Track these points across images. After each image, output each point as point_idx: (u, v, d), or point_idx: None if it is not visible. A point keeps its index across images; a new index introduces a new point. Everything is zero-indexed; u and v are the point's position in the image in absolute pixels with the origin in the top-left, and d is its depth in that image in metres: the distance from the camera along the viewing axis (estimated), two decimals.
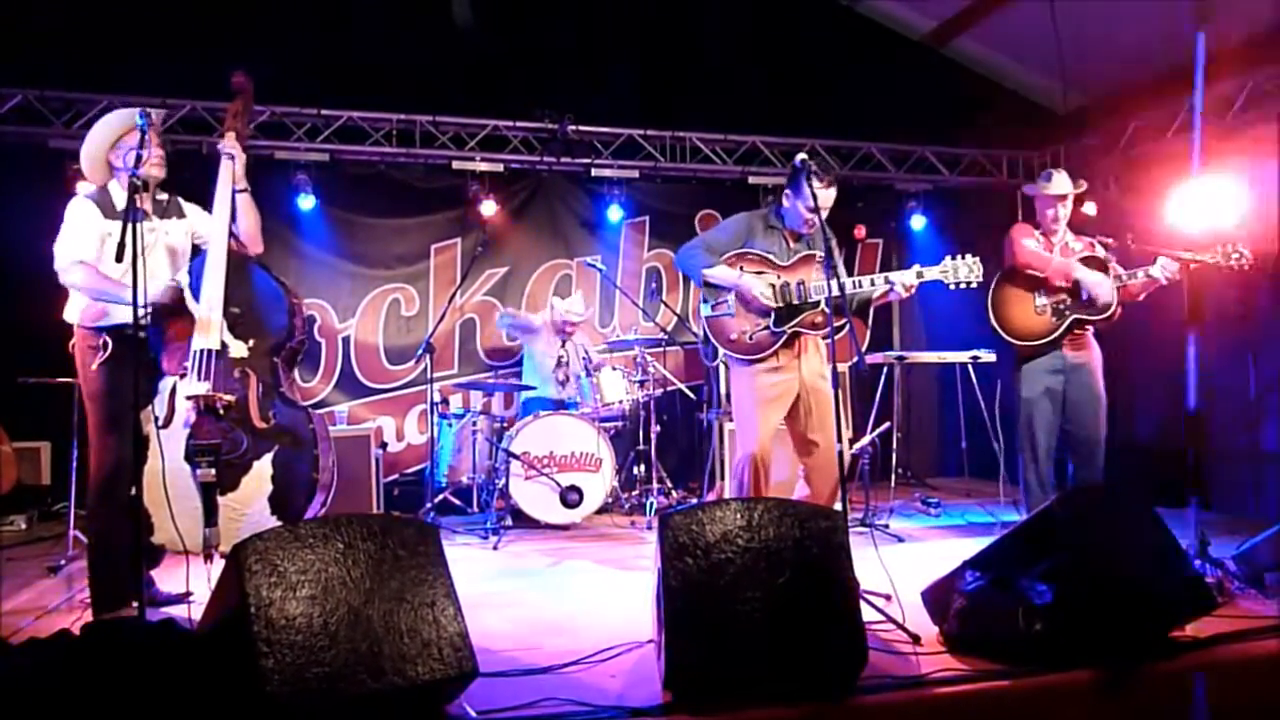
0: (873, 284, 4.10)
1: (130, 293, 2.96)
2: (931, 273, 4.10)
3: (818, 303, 4.08)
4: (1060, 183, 4.93)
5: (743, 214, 4.37)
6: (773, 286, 4.12)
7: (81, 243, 3.56)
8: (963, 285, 4.12)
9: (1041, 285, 4.80)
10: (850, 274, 4.23)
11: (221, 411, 3.55)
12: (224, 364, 3.62)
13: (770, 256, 4.18)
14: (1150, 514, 3.17)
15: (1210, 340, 5.62)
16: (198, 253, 3.89)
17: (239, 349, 3.69)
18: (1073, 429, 4.81)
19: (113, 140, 3.66)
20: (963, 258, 4.11)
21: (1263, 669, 3.00)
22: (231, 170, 3.82)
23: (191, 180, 4.03)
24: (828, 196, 4.00)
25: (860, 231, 7.34)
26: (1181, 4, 6.14)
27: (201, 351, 3.59)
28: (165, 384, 3.63)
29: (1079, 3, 6.18)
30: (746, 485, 4.12)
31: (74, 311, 3.65)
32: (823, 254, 4.00)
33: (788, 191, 4.19)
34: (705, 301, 4.26)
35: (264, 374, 3.71)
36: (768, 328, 4.11)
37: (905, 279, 4.05)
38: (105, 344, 3.59)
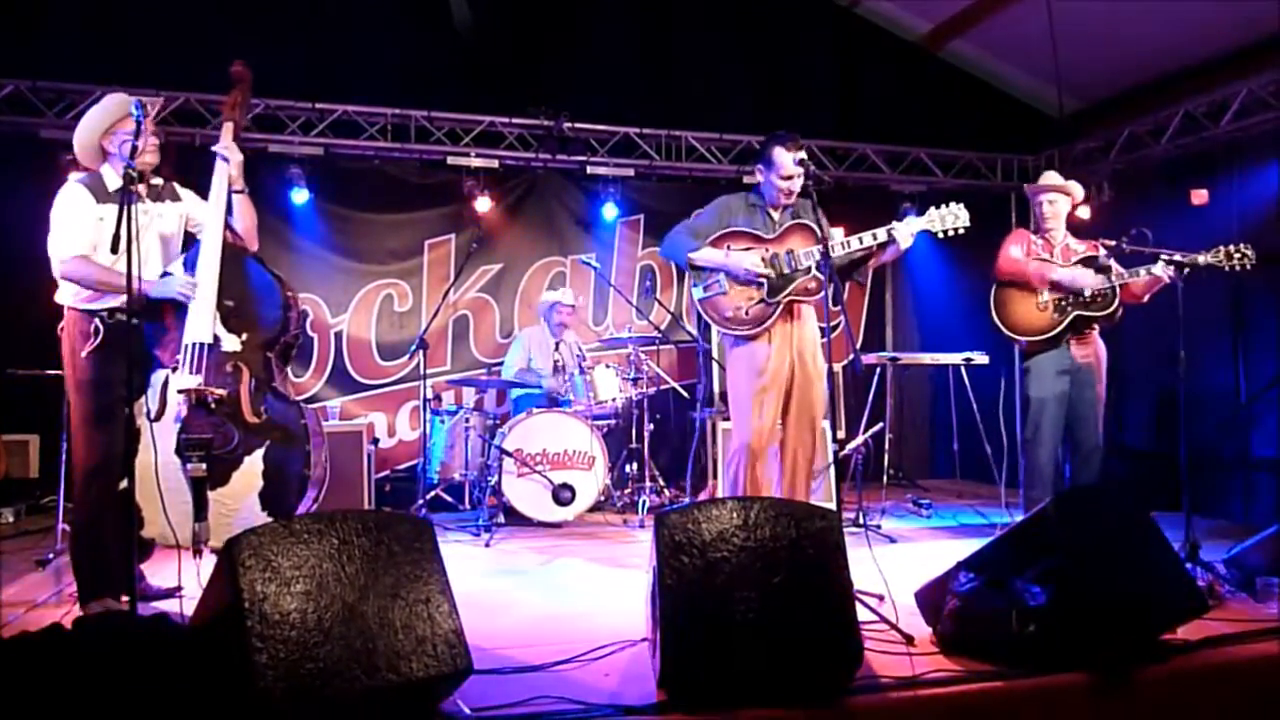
0: (861, 242, 4.09)
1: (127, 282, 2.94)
2: (919, 222, 4.09)
3: (809, 269, 4.09)
4: (1046, 175, 4.98)
5: (723, 197, 4.37)
6: (762, 259, 4.12)
7: (76, 234, 3.51)
8: (950, 233, 4.10)
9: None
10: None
11: (213, 406, 3.52)
12: (216, 357, 3.60)
13: (757, 232, 4.19)
14: (1143, 517, 3.18)
15: (1201, 346, 5.68)
16: (190, 241, 3.87)
17: (232, 343, 3.67)
18: (1074, 431, 4.81)
19: (107, 126, 3.61)
20: (947, 205, 4.10)
21: (1254, 672, 3.02)
22: (227, 170, 3.79)
23: (185, 172, 4.00)
24: (791, 160, 4.02)
25: (843, 234, 7.34)
26: (1177, 12, 6.20)
27: (193, 345, 3.57)
28: (157, 377, 3.61)
29: (1075, 8, 6.21)
30: (740, 480, 4.10)
31: (67, 294, 3.60)
32: (810, 221, 4.03)
33: (759, 168, 4.22)
34: (696, 285, 4.25)
35: (257, 368, 3.68)
36: (762, 300, 4.11)
37: (897, 232, 4.04)
38: (96, 329, 3.52)
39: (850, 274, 4.30)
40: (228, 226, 3.76)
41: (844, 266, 4.21)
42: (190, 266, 3.69)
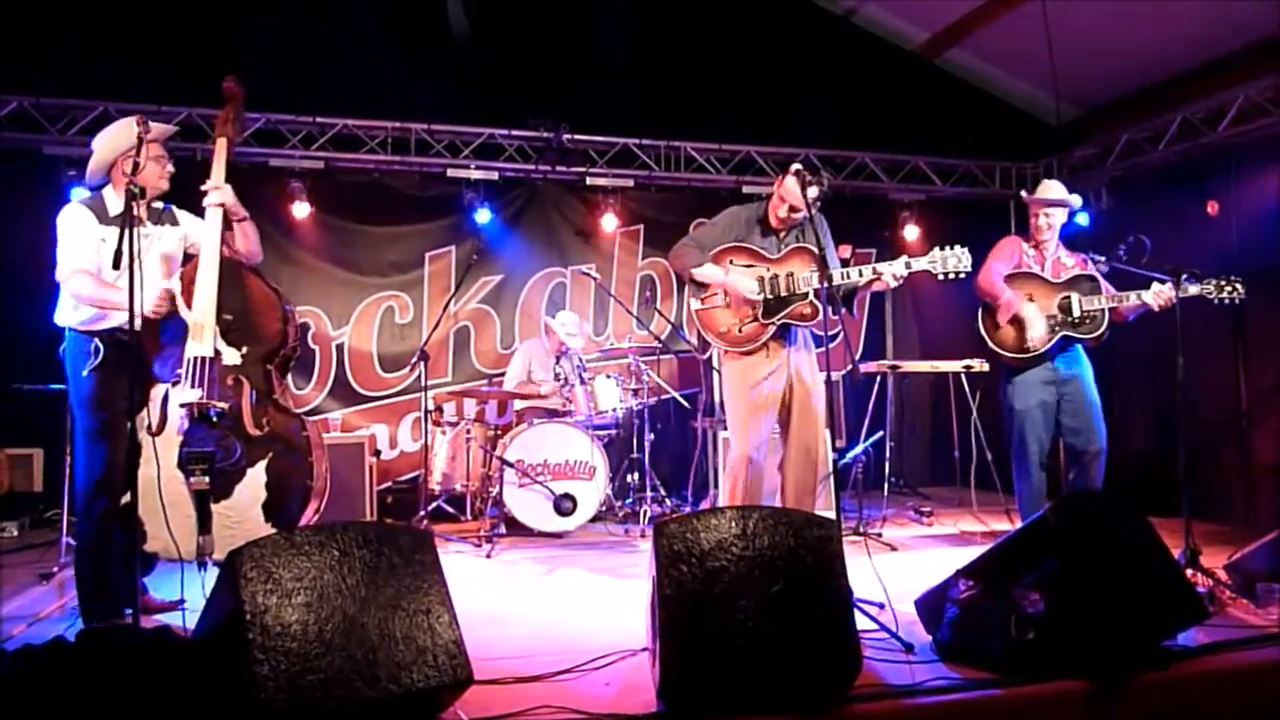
0: (861, 274, 4.10)
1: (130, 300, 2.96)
2: (920, 263, 4.09)
3: (806, 294, 4.10)
4: (1046, 187, 4.95)
5: (732, 209, 4.39)
6: (760, 280, 4.14)
7: (81, 251, 3.56)
8: (951, 276, 4.10)
9: (1031, 299, 4.79)
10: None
11: (215, 419, 3.53)
12: (217, 371, 3.61)
13: (760, 250, 4.21)
14: (1142, 523, 3.19)
15: (1201, 351, 5.68)
16: (190, 259, 3.90)
17: (232, 356, 3.68)
18: (1073, 441, 4.78)
19: (126, 149, 3.62)
20: (951, 248, 4.09)
21: (1255, 678, 3.02)
22: (222, 178, 3.82)
23: (186, 187, 4.03)
24: (795, 191, 4.02)
25: (845, 251, 7.34)
26: (1174, 18, 6.22)
27: (194, 359, 3.58)
28: (157, 391, 3.62)
29: (1071, 15, 6.23)
30: (738, 490, 4.13)
31: (66, 315, 3.64)
32: (815, 247, 3.98)
33: (776, 184, 4.23)
34: (694, 297, 4.27)
35: (257, 381, 3.70)
36: (756, 319, 4.13)
37: (894, 269, 4.06)
38: (97, 349, 3.56)
39: (847, 302, 4.31)
40: (225, 241, 3.79)
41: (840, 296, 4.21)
42: (188, 282, 3.71)
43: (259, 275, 3.88)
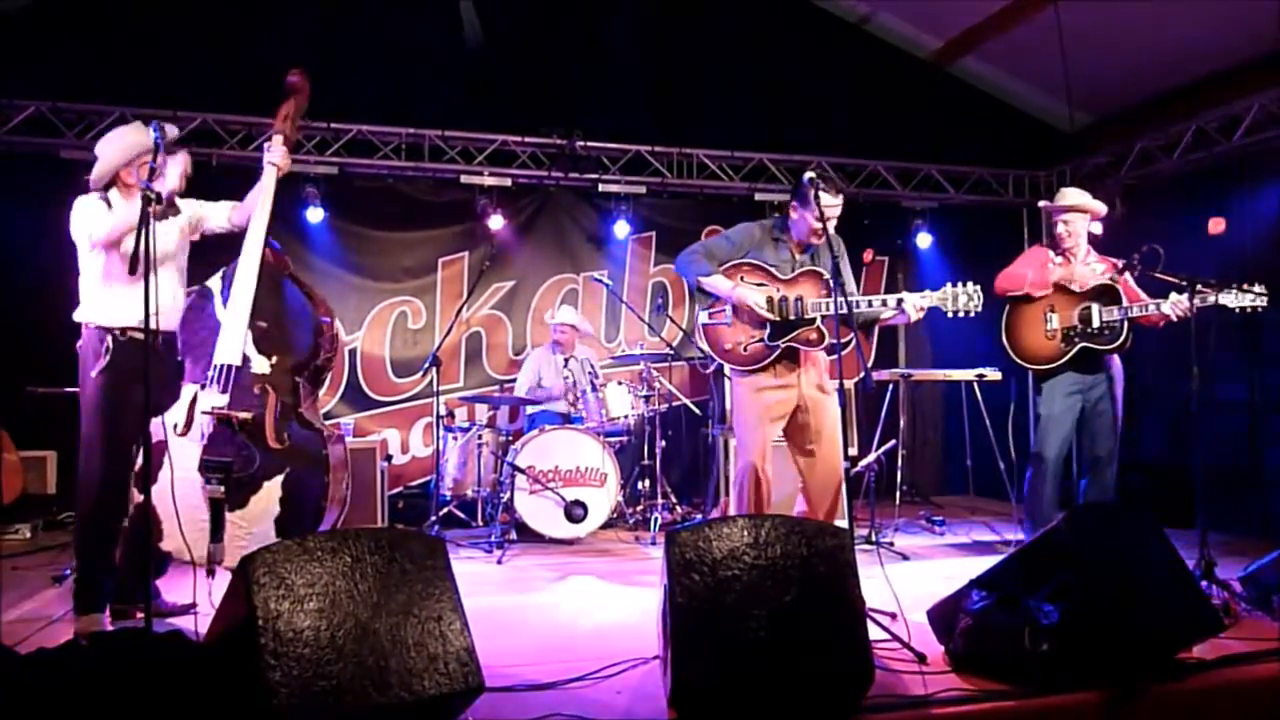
0: (870, 305, 4.07)
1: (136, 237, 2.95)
2: (929, 299, 4.04)
3: (813, 320, 4.06)
4: (1063, 194, 4.91)
5: (749, 224, 4.33)
6: (770, 299, 4.08)
7: (95, 220, 3.56)
8: (961, 314, 4.04)
9: (1053, 309, 4.77)
10: (856, 292, 4.22)
11: (237, 428, 3.51)
12: (245, 379, 3.57)
13: (772, 269, 4.15)
14: (1157, 534, 3.17)
15: (1216, 361, 5.63)
16: (214, 250, 3.86)
17: (261, 365, 3.62)
18: (1086, 445, 4.78)
19: (129, 159, 3.62)
20: (963, 285, 4.03)
21: (1270, 691, 2.99)
22: (275, 178, 3.78)
23: (201, 192, 4.02)
24: (835, 205, 3.97)
25: (868, 256, 7.36)
26: (1188, 26, 6.20)
27: (223, 365, 3.56)
28: (187, 391, 3.60)
29: (1085, 23, 6.22)
30: (746, 496, 4.12)
31: (85, 310, 3.63)
32: (828, 271, 3.92)
33: (794, 204, 4.15)
34: (702, 309, 4.24)
35: (284, 393, 3.63)
36: (762, 340, 4.10)
37: (907, 304, 4.00)
38: (108, 349, 3.53)
39: (862, 329, 4.28)
40: (268, 244, 3.74)
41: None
42: (227, 282, 3.70)
43: (299, 282, 3.82)
